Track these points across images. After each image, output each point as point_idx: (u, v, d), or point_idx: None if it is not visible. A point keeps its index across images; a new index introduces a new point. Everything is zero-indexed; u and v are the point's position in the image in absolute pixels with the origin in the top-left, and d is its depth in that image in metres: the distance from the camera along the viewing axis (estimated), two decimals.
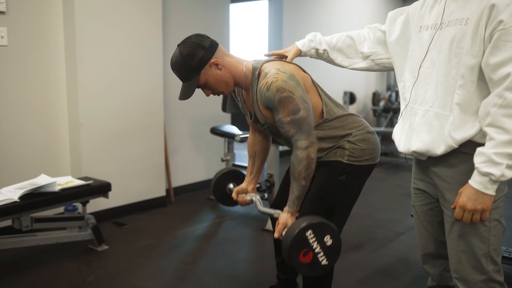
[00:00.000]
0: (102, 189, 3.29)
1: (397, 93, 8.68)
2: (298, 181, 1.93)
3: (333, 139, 2.08)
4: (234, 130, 4.43)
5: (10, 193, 2.90)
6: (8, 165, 3.47)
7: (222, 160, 4.57)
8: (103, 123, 3.87)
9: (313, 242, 1.72)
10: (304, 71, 2.09)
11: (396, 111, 7.52)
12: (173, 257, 3.28)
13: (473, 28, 1.47)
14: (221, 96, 4.45)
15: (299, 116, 1.89)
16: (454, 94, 1.53)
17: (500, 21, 1.40)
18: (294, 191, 1.95)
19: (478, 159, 1.45)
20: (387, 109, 7.68)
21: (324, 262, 1.74)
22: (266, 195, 3.88)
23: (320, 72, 6.92)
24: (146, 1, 4.07)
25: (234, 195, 2.34)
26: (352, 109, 7.64)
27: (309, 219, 1.75)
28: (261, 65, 1.99)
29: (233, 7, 5.44)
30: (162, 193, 4.42)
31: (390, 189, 5.11)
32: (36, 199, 2.92)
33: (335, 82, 7.31)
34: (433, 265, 1.87)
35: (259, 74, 1.97)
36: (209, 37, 2.02)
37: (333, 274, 2.28)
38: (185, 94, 2.00)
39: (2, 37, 3.37)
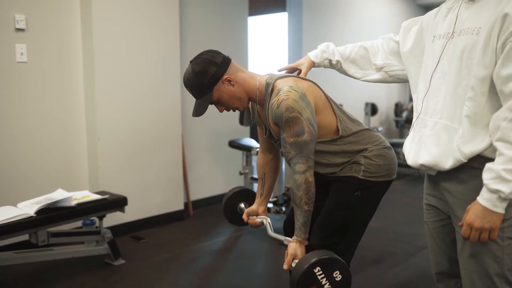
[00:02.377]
0: (118, 203, 3.30)
1: None
2: (301, 207, 1.89)
3: (349, 154, 2.04)
4: (253, 143, 4.41)
5: (27, 208, 2.93)
6: (26, 179, 3.52)
7: (241, 174, 4.55)
8: (121, 136, 3.90)
9: (322, 278, 1.69)
10: (318, 87, 2.05)
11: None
12: (190, 272, 3.25)
13: (484, 38, 1.42)
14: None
15: (302, 139, 1.86)
16: (464, 106, 1.48)
17: (506, 14, 1.36)
18: (299, 219, 1.90)
19: (486, 175, 1.39)
20: (410, 120, 7.55)
21: None
22: (283, 209, 3.83)
23: (340, 83, 6.88)
24: (163, 15, 4.10)
25: (244, 217, 2.31)
26: (374, 120, 7.55)
27: (319, 254, 1.71)
28: (275, 81, 1.97)
29: (251, 19, 5.44)
30: (180, 206, 4.41)
31: (411, 201, 5.00)
32: (52, 213, 2.94)
33: (356, 93, 7.24)
34: (447, 284, 1.80)
35: (272, 90, 1.95)
36: (221, 53, 2.01)
37: None
38: (199, 111, 1.99)
39: (22, 53, 3.43)
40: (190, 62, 1.98)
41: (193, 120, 4.61)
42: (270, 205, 4.21)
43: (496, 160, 1.39)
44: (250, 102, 2.15)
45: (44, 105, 3.60)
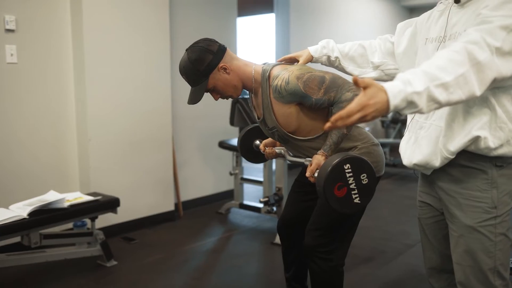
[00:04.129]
0: (111, 204, 3.30)
1: None
2: (340, 130, 1.92)
3: (339, 151, 2.07)
4: None
5: (19, 210, 2.91)
6: (17, 182, 3.49)
7: (231, 174, 4.57)
8: (112, 137, 3.89)
9: (350, 177, 1.70)
10: None
11: (405, 122, 7.48)
12: (183, 272, 3.27)
13: None
14: (229, 109, 4.46)
15: (328, 81, 1.93)
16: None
17: (479, 13, 1.41)
18: (333, 137, 1.94)
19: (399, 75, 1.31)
20: (395, 120, 7.64)
21: (357, 200, 1.73)
22: (274, 209, 3.86)
23: None
24: (153, 16, 4.10)
25: (261, 147, 2.32)
26: None
27: (349, 154, 1.74)
28: (271, 68, 2.01)
29: (240, 20, 5.47)
30: (171, 207, 4.42)
31: (399, 200, 5.07)
32: (45, 215, 2.93)
33: None
34: (439, 279, 1.84)
35: (269, 76, 1.99)
36: (217, 42, 2.03)
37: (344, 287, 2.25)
38: (194, 98, 2.02)
39: (11, 54, 3.41)
40: (186, 50, 2.00)
41: (184, 121, 4.61)
42: (260, 205, 4.25)
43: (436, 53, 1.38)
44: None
45: (35, 106, 3.58)
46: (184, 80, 2.03)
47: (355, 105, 1.23)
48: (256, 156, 2.45)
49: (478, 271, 1.57)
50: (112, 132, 3.89)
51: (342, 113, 1.24)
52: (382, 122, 8.19)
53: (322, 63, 2.16)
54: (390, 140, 7.47)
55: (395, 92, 1.23)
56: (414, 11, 9.20)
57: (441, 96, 1.27)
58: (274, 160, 3.86)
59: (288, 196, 2.41)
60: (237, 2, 5.21)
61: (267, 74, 2.00)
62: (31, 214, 2.86)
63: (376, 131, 8.42)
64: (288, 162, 2.23)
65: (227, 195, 5.04)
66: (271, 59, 6.56)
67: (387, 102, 1.23)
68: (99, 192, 3.47)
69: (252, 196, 5.10)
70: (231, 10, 5.10)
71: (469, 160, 1.51)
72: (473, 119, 1.48)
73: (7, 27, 3.35)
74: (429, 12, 1.76)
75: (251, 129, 2.45)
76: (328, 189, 1.67)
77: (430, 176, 1.69)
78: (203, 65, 1.95)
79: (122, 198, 3.47)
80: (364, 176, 1.73)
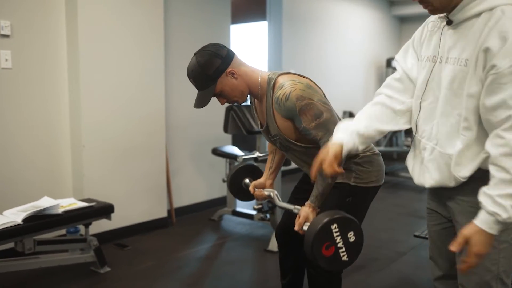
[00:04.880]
0: (105, 210, 3.29)
1: None
2: (325, 179, 1.92)
3: None
4: (236, 151, 4.45)
5: (14, 216, 2.90)
6: (10, 188, 3.48)
7: (224, 181, 4.57)
8: (106, 144, 3.89)
9: (337, 236, 1.71)
10: (318, 87, 2.10)
11: (395, 130, 7.55)
12: (176, 279, 3.27)
13: (472, 71, 1.48)
14: (222, 117, 4.48)
15: (324, 119, 1.92)
16: (458, 135, 1.54)
17: (493, 66, 1.41)
18: (319, 188, 1.95)
19: (482, 198, 1.46)
20: None
21: (345, 258, 1.74)
22: (268, 216, 3.88)
23: None
24: (148, 24, 4.12)
25: (251, 188, 2.33)
26: None
27: (335, 213, 1.75)
28: (277, 76, 2.03)
29: (233, 27, 5.50)
30: (164, 214, 4.41)
31: (390, 208, 5.11)
32: (39, 221, 2.92)
33: (333, 102, 7.29)
34: (446, 284, 1.85)
35: (274, 85, 2.00)
36: (226, 46, 2.05)
37: None
38: (201, 102, 2.04)
39: (6, 60, 3.40)
40: (195, 54, 2.01)
41: (177, 127, 4.62)
42: (253, 212, 4.27)
43: (490, 182, 1.45)
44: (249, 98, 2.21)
45: (29, 112, 3.57)
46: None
47: (475, 259, 1.46)
48: (246, 195, 2.46)
49: (480, 279, 1.60)
50: (106, 138, 3.89)
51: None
52: None
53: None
54: (381, 148, 7.53)
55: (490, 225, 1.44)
56: (404, 20, 9.30)
57: None
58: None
59: (288, 202, 2.43)
60: (231, 10, 5.25)
61: (273, 82, 2.01)
62: (25, 220, 2.86)
63: None
64: (279, 207, 2.24)
65: (220, 202, 5.05)
66: (264, 66, 6.60)
67: (489, 236, 1.44)
68: (93, 198, 3.46)
69: (245, 203, 5.11)
70: (225, 17, 5.14)
71: (481, 174, 1.53)
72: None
73: (2, 32, 3.35)
74: (420, 28, 1.77)
75: (242, 167, 2.48)
76: (316, 250, 1.70)
77: (440, 189, 1.70)
78: (211, 69, 1.96)
79: (115, 204, 3.46)
80: (351, 234, 1.74)
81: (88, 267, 3.33)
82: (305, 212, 1.95)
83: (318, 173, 1.78)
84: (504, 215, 1.40)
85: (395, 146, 7.95)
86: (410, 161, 1.77)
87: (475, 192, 1.52)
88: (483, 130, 1.51)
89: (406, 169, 7.59)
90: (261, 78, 2.05)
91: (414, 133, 1.74)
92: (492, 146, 1.45)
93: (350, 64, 7.97)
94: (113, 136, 3.94)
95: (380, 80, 8.89)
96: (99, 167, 3.85)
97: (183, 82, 4.62)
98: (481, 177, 1.51)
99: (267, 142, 2.42)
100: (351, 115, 7.34)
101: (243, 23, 7.27)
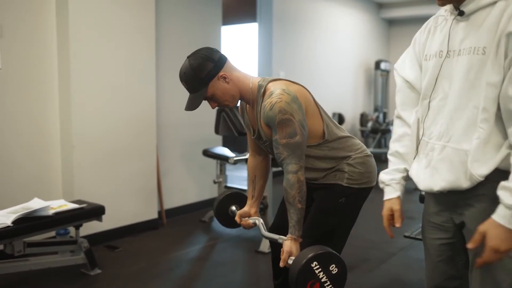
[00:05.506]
0: (96, 212, 3.27)
1: (384, 114, 8.79)
2: (294, 206, 1.95)
3: (333, 160, 2.11)
4: (226, 152, 4.45)
5: (3, 218, 2.87)
6: (0, 189, 3.44)
7: (214, 182, 4.58)
8: (96, 145, 3.87)
9: (319, 272, 1.73)
10: (308, 91, 2.11)
11: (384, 132, 7.61)
12: (168, 281, 3.26)
13: (492, 58, 1.40)
14: (213, 118, 4.48)
15: (295, 141, 1.93)
16: (476, 128, 1.44)
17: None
18: (293, 217, 1.96)
19: (501, 192, 1.36)
20: (375, 130, 7.77)
21: None
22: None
23: None
24: (139, 23, 4.11)
25: (237, 218, 2.34)
26: None
27: (314, 249, 1.75)
28: (267, 83, 2.03)
29: (224, 29, 5.51)
30: (154, 215, 4.40)
31: (379, 209, 5.10)
32: (29, 223, 2.89)
33: (323, 103, 7.33)
34: None
35: (264, 92, 2.01)
36: (218, 51, 2.05)
37: None
38: (192, 105, 2.04)
39: None
40: (188, 57, 2.01)
41: (168, 129, 4.61)
42: None
43: (510, 176, 1.36)
44: (240, 106, 2.22)
45: (18, 113, 3.54)
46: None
47: (491, 253, 1.38)
48: (232, 222, 2.47)
49: None
50: (97, 139, 3.87)
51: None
52: (362, 132, 8.31)
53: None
54: (370, 149, 7.57)
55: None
56: (393, 23, 9.38)
57: None
58: None
59: (280, 204, 2.44)
60: (222, 11, 5.25)
61: (263, 89, 2.02)
62: (15, 221, 2.83)
63: None
64: (264, 237, 2.25)
65: (210, 203, 5.04)
66: (254, 67, 6.62)
67: (509, 231, 1.35)
68: (84, 200, 3.44)
69: None
70: (216, 18, 5.14)
71: (498, 176, 1.42)
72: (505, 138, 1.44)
73: None
74: (423, 28, 1.71)
75: (228, 195, 2.49)
76: None
77: (449, 195, 1.58)
78: (204, 73, 1.97)
79: (106, 205, 3.44)
80: (333, 266, 1.76)
81: (79, 269, 3.31)
82: (287, 247, 1.95)
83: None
84: None
85: (384, 148, 8.00)
86: (414, 169, 1.68)
87: (491, 198, 1.42)
88: (501, 123, 1.42)
89: None
90: (252, 84, 2.06)
91: (419, 137, 1.66)
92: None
93: (340, 65, 8.02)
94: (104, 137, 3.92)
95: (369, 82, 8.95)
96: (89, 168, 3.83)
97: (174, 83, 4.61)
98: (499, 180, 1.40)
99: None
100: (340, 116, 7.38)
101: (234, 25, 7.29)
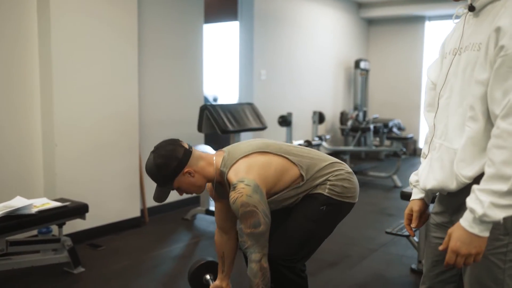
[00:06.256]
0: (79, 210, 3.26)
1: (364, 112, 8.89)
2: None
3: (314, 184, 2.20)
4: (210, 150, 4.46)
5: None
6: None
7: None
8: (79, 143, 3.84)
9: None
10: (273, 153, 2.15)
11: (364, 130, 7.70)
12: (152, 278, 3.26)
13: (483, 54, 1.36)
14: (196, 116, 4.48)
15: (259, 231, 2.01)
16: (464, 127, 1.42)
17: (502, 47, 1.30)
18: None
19: (470, 195, 1.34)
20: (354, 128, 7.85)
21: None
22: None
23: (288, 93, 7.06)
24: (122, 21, 4.09)
25: None
26: (320, 128, 7.79)
27: None
28: (228, 171, 2.09)
29: (206, 27, 5.51)
30: (137, 213, 4.39)
31: (360, 207, 5.19)
32: (12, 221, 2.88)
33: (303, 103, 7.45)
34: None
35: (228, 181, 2.08)
36: (183, 145, 2.12)
37: None
38: (159, 197, 2.13)
39: None
40: (153, 151, 2.09)
41: (150, 127, 4.60)
42: None
43: (482, 180, 1.33)
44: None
45: None
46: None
47: (451, 254, 1.36)
48: None
49: None
50: (79, 137, 3.85)
51: (448, 259, 1.38)
52: (342, 130, 8.39)
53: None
54: (350, 148, 7.67)
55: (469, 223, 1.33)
56: (372, 22, 9.49)
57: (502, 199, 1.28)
58: None
59: None
60: (204, 9, 5.26)
61: (226, 177, 2.09)
62: None
63: (336, 139, 8.61)
64: None
65: (192, 202, 5.05)
66: (235, 64, 6.63)
67: (470, 235, 1.33)
68: (66, 198, 3.42)
69: None
70: (198, 17, 5.14)
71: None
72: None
73: None
74: (452, 28, 1.67)
75: (202, 264, 2.64)
76: None
77: (447, 197, 1.58)
78: (168, 171, 2.04)
79: (88, 204, 3.42)
80: None
81: (62, 267, 3.29)
82: None
83: None
84: (479, 211, 1.28)
85: (363, 146, 8.10)
86: (421, 167, 1.67)
87: None
88: (490, 123, 1.36)
89: (375, 168, 7.75)
90: (216, 168, 2.12)
91: (432, 136, 1.63)
92: (491, 137, 1.32)
93: (320, 64, 8.08)
94: (86, 135, 3.90)
95: (349, 80, 9.04)
96: (71, 166, 3.80)
97: (156, 81, 4.62)
98: None
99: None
100: (320, 115, 7.44)
101: (215, 23, 7.29)
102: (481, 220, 1.30)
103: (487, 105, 1.37)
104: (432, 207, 1.74)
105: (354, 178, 2.27)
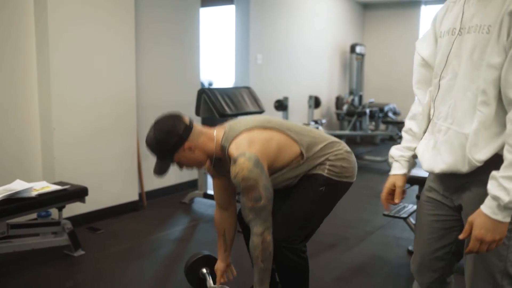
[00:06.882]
0: (79, 193, 3.27)
1: (360, 97, 8.91)
2: (257, 265, 2.07)
3: (312, 167, 2.22)
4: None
5: None
6: None
7: None
8: (77, 127, 3.83)
9: None
10: (275, 129, 2.15)
11: (360, 114, 7.72)
12: (152, 261, 3.29)
13: (495, 37, 1.35)
14: (194, 99, 4.47)
15: (260, 205, 2.01)
16: (476, 111, 1.41)
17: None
18: (256, 275, 2.09)
19: (490, 182, 1.35)
20: (350, 113, 7.88)
21: None
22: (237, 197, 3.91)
23: (285, 78, 7.05)
24: (118, 4, 4.05)
25: (219, 279, 2.51)
26: (316, 113, 7.80)
27: None
28: (229, 145, 2.08)
29: (203, 11, 5.47)
30: (135, 197, 4.40)
31: (356, 190, 5.22)
32: (12, 205, 2.88)
33: (299, 87, 7.45)
34: (423, 275, 1.77)
35: (229, 155, 2.07)
36: (184, 120, 2.10)
37: (310, 272, 2.35)
38: (160, 171, 2.11)
39: None
40: (153, 126, 2.09)
41: (148, 110, 4.59)
42: None
43: (502, 166, 1.34)
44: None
45: None
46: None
47: (475, 242, 1.38)
48: (201, 284, 2.68)
49: (488, 274, 1.52)
50: (77, 121, 3.83)
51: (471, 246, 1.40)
52: (338, 115, 8.42)
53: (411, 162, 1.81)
54: (346, 132, 7.70)
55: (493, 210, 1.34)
56: (368, 7, 9.46)
57: None
58: None
59: None
60: None
61: (227, 152, 2.09)
62: None
63: (331, 123, 8.64)
64: None
65: (190, 185, 5.07)
66: (231, 49, 6.61)
67: (493, 222, 1.34)
68: (65, 182, 3.42)
69: None
70: (195, 0, 5.10)
71: (497, 163, 1.38)
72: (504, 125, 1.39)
73: None
74: (445, 4, 1.65)
75: (199, 258, 2.69)
76: None
77: (449, 176, 1.57)
78: (168, 146, 2.04)
79: (87, 187, 3.43)
80: None
81: (62, 250, 3.31)
82: None
83: None
84: (505, 198, 1.30)
85: (359, 130, 8.13)
86: (421, 147, 1.67)
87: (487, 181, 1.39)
88: (503, 107, 1.38)
89: (370, 153, 7.79)
90: (216, 144, 2.12)
91: (431, 116, 1.64)
92: (508, 123, 1.34)
93: (315, 49, 8.06)
94: (84, 119, 3.89)
95: (344, 65, 9.04)
96: (70, 150, 3.80)
97: (154, 64, 4.61)
98: (498, 166, 1.36)
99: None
100: (316, 99, 7.44)
101: (212, 7, 7.25)
102: (505, 207, 1.32)
103: (499, 89, 1.37)
104: (426, 184, 1.74)
105: (353, 157, 2.29)
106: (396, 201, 1.75)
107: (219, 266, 2.52)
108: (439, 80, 1.57)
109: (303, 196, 2.22)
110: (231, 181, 2.04)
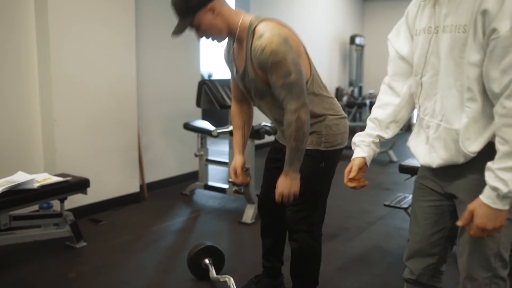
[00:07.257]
0: (81, 185, 3.27)
1: (360, 88, 8.91)
2: (290, 143, 2.03)
3: (311, 116, 2.13)
4: (207, 125, 4.47)
5: None
6: None
7: (196, 155, 4.59)
8: (78, 119, 3.83)
9: None
10: (301, 42, 2.14)
11: (360, 106, 7.72)
12: (153, 252, 3.30)
13: (471, 36, 1.40)
14: (194, 91, 4.47)
15: (290, 80, 1.97)
16: (463, 107, 1.47)
17: (493, 30, 1.34)
18: (287, 153, 2.05)
19: (486, 173, 1.41)
20: (350, 104, 7.87)
21: None
22: (242, 189, 3.93)
23: None
24: None
25: (239, 173, 2.37)
26: None
27: None
28: (258, 23, 2.02)
29: None
30: (136, 189, 4.41)
31: None
32: (14, 196, 2.88)
33: None
34: (417, 262, 1.79)
35: (254, 31, 2.00)
36: None
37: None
38: (177, 29, 2.02)
39: None
40: None
41: (149, 102, 4.59)
42: (226, 186, 4.32)
43: (496, 157, 1.39)
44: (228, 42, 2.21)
45: None
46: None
47: (477, 231, 1.43)
48: (203, 274, 2.74)
49: (482, 257, 1.57)
50: (78, 113, 3.83)
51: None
52: None
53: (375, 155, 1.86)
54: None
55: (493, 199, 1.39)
56: None
57: None
58: None
59: (264, 174, 2.51)
60: None
61: (253, 28, 2.01)
62: (0, 195, 2.81)
63: None
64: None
65: (191, 177, 5.08)
66: None
67: (494, 210, 1.39)
68: (67, 173, 3.43)
69: (216, 177, 5.15)
70: None
71: (489, 149, 1.44)
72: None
73: None
74: (413, 2, 1.69)
75: (202, 248, 2.73)
76: None
77: (445, 167, 1.61)
78: (192, 2, 1.95)
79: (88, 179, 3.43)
80: None
81: (64, 242, 3.32)
82: (280, 185, 2.09)
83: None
84: (504, 189, 1.35)
85: (358, 121, 8.13)
86: (412, 141, 1.73)
87: (480, 169, 1.45)
88: (488, 100, 1.44)
89: None
90: (243, 21, 2.04)
91: (417, 112, 1.68)
92: (496, 116, 1.39)
93: (315, 40, 8.05)
94: (85, 111, 3.89)
95: (344, 56, 9.02)
96: (71, 142, 3.80)
97: (155, 56, 4.60)
98: (490, 152, 1.43)
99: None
100: None
101: None
102: (504, 196, 1.37)
103: (483, 85, 1.43)
104: (418, 172, 1.79)
105: (346, 122, 2.29)
106: (351, 175, 1.78)
107: (239, 161, 2.36)
108: (421, 78, 1.62)
109: (308, 179, 2.19)
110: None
